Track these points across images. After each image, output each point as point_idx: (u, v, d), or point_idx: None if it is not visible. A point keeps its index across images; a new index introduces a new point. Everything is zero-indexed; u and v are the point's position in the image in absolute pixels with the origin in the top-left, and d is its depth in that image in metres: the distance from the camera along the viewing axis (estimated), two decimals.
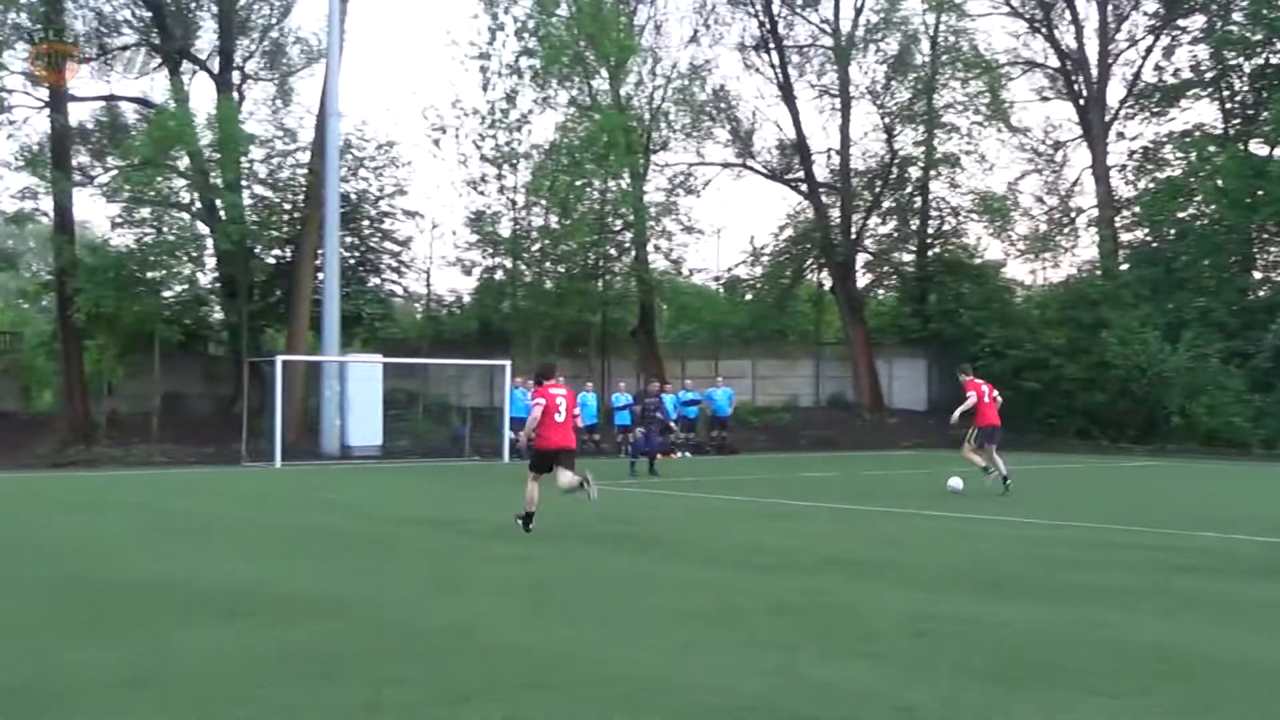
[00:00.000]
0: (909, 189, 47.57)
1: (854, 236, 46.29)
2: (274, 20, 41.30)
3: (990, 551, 13.88)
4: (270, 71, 41.35)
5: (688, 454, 34.83)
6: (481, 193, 39.20)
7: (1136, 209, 45.21)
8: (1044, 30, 46.91)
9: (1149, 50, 45.47)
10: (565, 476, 15.01)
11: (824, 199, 46.53)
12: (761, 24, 45.94)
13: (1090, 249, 47.27)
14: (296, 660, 7.72)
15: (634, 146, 39.85)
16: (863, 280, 48.99)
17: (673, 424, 34.37)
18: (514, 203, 39.24)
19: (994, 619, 9.41)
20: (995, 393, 22.07)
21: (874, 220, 47.90)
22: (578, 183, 38.50)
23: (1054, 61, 46.84)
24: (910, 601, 10.17)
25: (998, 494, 20.55)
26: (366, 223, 40.80)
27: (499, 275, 40.41)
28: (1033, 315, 44.63)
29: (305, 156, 38.19)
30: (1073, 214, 48.28)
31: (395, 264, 42.02)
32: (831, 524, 17.15)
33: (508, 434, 32.87)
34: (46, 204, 35.50)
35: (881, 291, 51.68)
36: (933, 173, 46.69)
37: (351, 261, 39.89)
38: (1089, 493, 23.62)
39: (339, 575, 11.59)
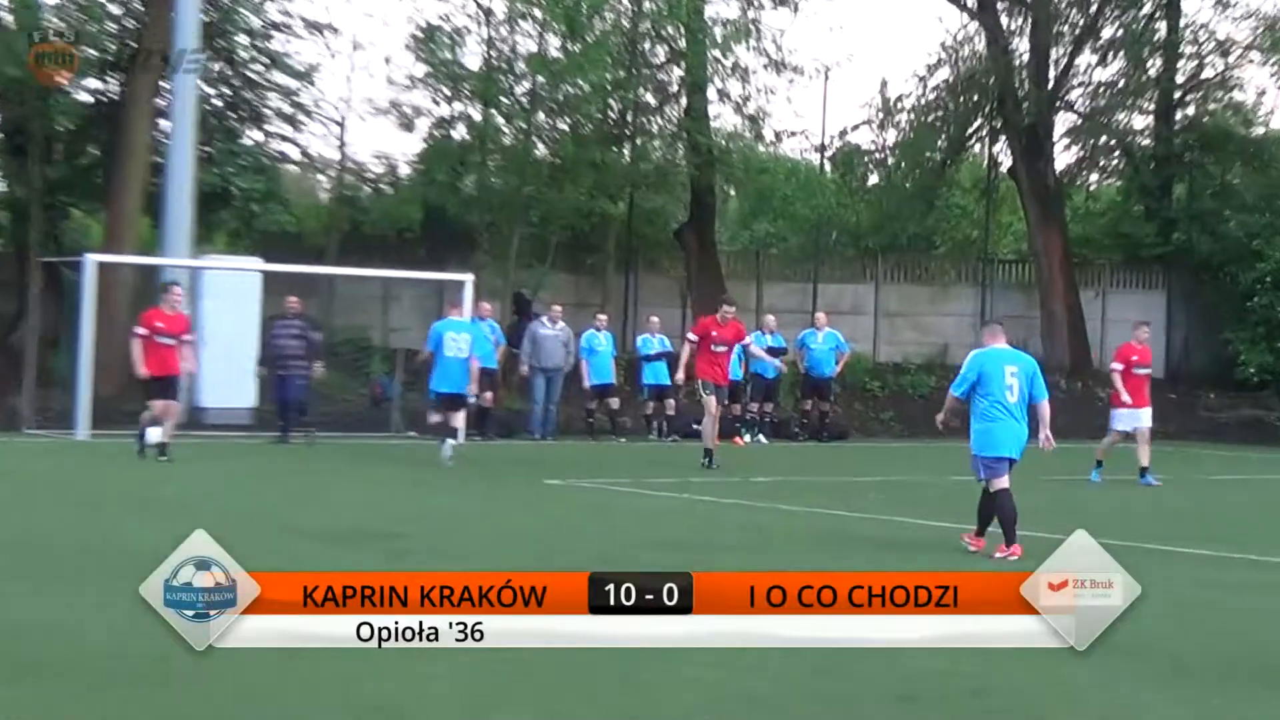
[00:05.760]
0: (1146, 6, 45.22)
1: (1052, 85, 43.73)
2: None
3: None
4: None
5: (762, 438, 33.89)
6: None
7: None
8: None
9: None
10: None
11: (1004, 19, 44.39)
12: None
13: None
14: None
15: None
16: (1064, 158, 46.22)
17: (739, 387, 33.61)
18: (489, 13, 38.30)
19: None
20: None
21: (1087, 59, 44.88)
22: None
23: None
24: None
25: None
26: (243, 39, 39.91)
27: (460, 132, 39.52)
28: None
29: None
30: None
31: (288, 109, 41.38)
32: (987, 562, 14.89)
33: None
34: None
35: (1095, 177, 49.45)
36: None
37: (218, 104, 39.04)
38: None
39: None
